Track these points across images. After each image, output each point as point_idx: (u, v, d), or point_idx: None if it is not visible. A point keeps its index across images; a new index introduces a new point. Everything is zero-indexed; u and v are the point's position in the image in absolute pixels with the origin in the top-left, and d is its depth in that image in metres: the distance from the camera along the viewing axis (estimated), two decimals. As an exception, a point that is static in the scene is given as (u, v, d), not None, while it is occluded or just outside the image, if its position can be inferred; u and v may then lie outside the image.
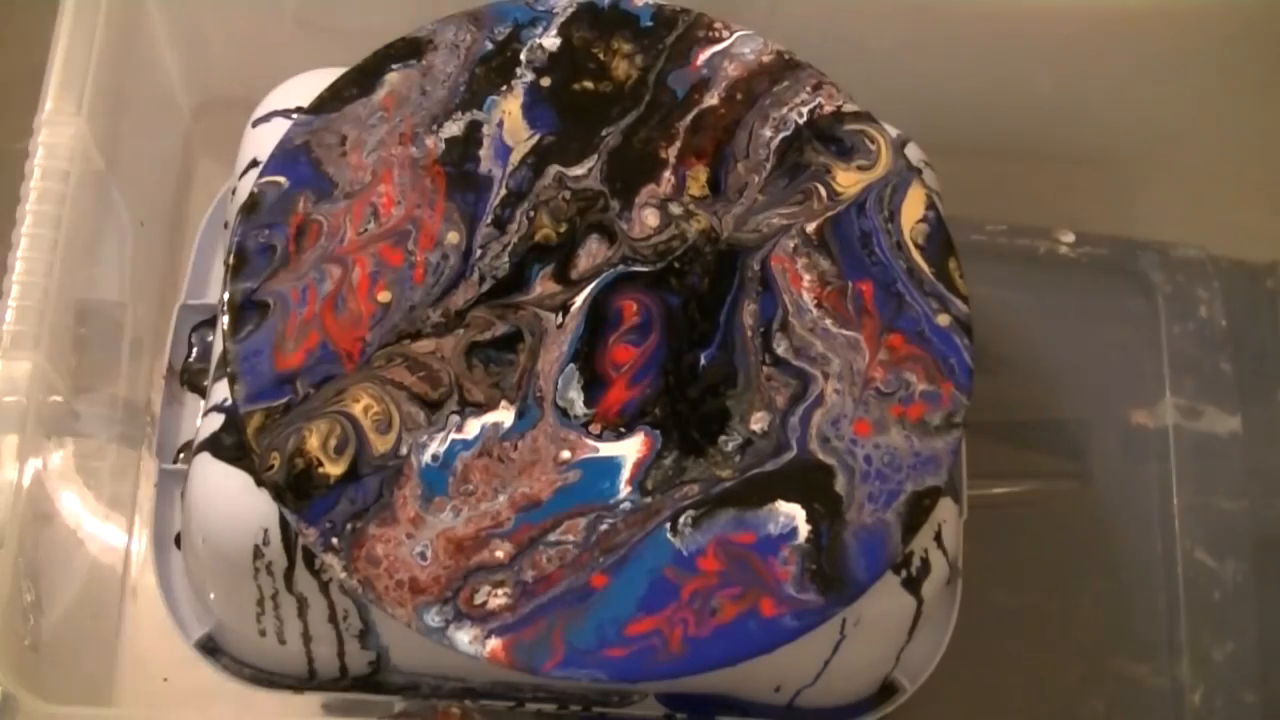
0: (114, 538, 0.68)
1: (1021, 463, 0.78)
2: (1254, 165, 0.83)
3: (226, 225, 0.63)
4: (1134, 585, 0.75)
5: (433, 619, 0.49)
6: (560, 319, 0.54)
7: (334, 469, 0.51)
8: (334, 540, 0.50)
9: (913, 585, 0.56)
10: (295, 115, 0.59)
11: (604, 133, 0.57)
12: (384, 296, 0.54)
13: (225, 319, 0.53)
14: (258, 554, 0.54)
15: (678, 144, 0.57)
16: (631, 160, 0.57)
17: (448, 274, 0.54)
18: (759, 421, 0.53)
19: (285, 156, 0.56)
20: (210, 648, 0.61)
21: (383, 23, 0.61)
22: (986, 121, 0.80)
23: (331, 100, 0.57)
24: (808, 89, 0.59)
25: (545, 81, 0.58)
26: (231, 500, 0.54)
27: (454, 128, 0.57)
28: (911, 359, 0.54)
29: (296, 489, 0.50)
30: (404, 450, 0.51)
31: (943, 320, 0.55)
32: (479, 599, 0.49)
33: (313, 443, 0.51)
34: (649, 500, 0.51)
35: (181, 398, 0.66)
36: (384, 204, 0.55)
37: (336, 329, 0.53)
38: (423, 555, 0.50)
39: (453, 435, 0.52)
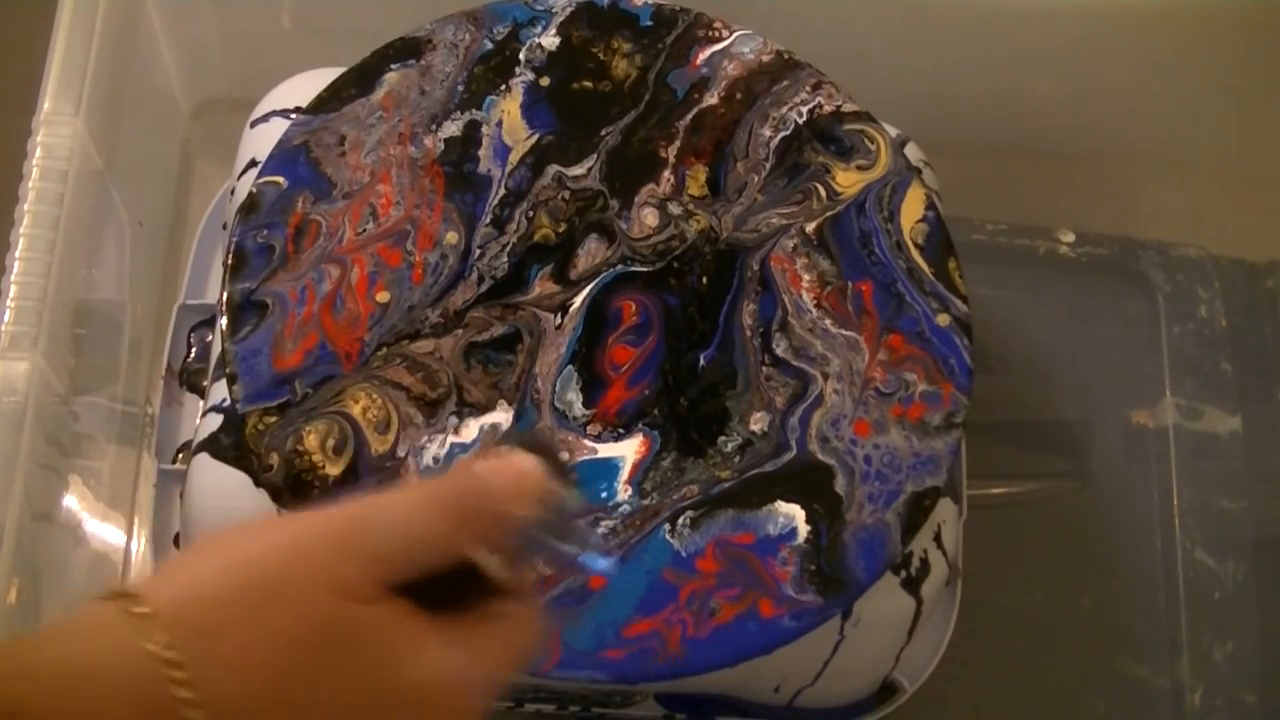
0: (114, 538, 0.68)
1: (1021, 463, 0.78)
2: (1254, 165, 0.83)
3: (225, 225, 0.63)
4: (1134, 585, 0.75)
5: (431, 620, 0.49)
6: (559, 319, 0.54)
7: (332, 469, 0.50)
8: (332, 541, 0.49)
9: (912, 585, 0.56)
10: (294, 115, 0.59)
11: (603, 132, 0.57)
12: (383, 297, 0.54)
13: (224, 319, 0.53)
14: (256, 554, 0.54)
15: (677, 143, 0.57)
16: (631, 160, 0.57)
17: (446, 274, 0.54)
18: (758, 422, 0.53)
19: (284, 156, 0.56)
20: (209, 648, 0.61)
21: (382, 23, 0.61)
22: (986, 121, 0.80)
23: (330, 100, 0.57)
24: (807, 88, 0.59)
25: (544, 81, 0.58)
26: (230, 501, 0.54)
27: (453, 127, 0.57)
28: (911, 359, 0.54)
29: (295, 489, 0.50)
30: (402, 451, 0.51)
31: (942, 320, 0.55)
32: (477, 600, 0.49)
33: (311, 442, 0.51)
34: (647, 501, 0.51)
35: (180, 398, 0.66)
36: (383, 204, 0.55)
37: (335, 329, 0.53)
38: (421, 556, 0.49)
39: (451, 437, 0.51)
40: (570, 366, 0.53)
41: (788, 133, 0.58)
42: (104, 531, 0.68)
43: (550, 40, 0.59)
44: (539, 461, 0.35)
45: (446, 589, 0.34)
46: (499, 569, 0.34)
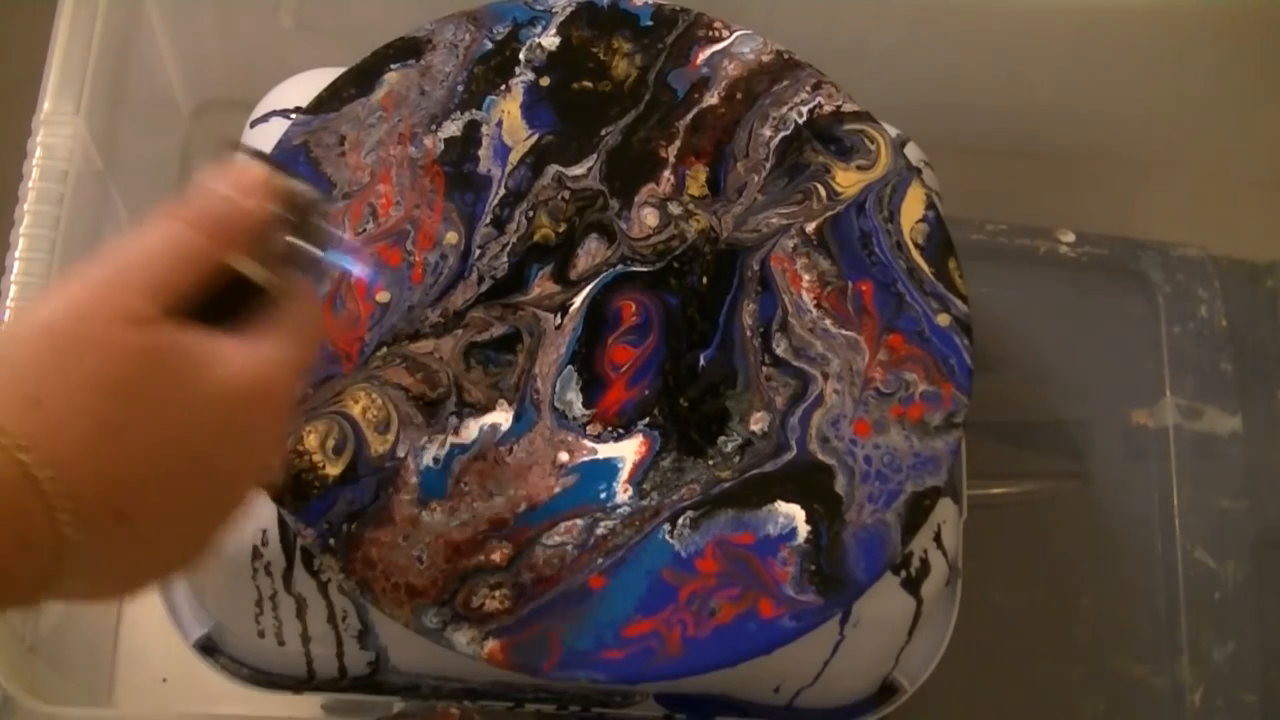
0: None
1: (1021, 463, 0.78)
2: (1254, 165, 0.83)
3: (225, 225, 0.63)
4: (1134, 585, 0.75)
5: (430, 620, 0.49)
6: (559, 319, 0.54)
7: (332, 469, 0.50)
8: (331, 541, 0.49)
9: (912, 585, 0.56)
10: (294, 115, 0.59)
11: (603, 132, 0.57)
12: (382, 297, 0.54)
13: (224, 319, 0.53)
14: (256, 554, 0.54)
15: (677, 143, 0.57)
16: (631, 160, 0.57)
17: (446, 274, 0.54)
18: (758, 422, 0.53)
19: (284, 156, 0.56)
20: (209, 648, 0.61)
21: (382, 23, 0.61)
22: (986, 121, 0.80)
23: (330, 100, 0.57)
24: (807, 88, 0.59)
25: (544, 81, 0.58)
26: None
27: (453, 127, 0.57)
28: (911, 359, 0.54)
29: (295, 489, 0.50)
30: (402, 452, 0.51)
31: (942, 320, 0.55)
32: (476, 601, 0.49)
33: (311, 442, 0.51)
34: (647, 502, 0.51)
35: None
36: (383, 204, 0.55)
37: (335, 329, 0.53)
38: (419, 558, 0.49)
39: (450, 437, 0.51)
40: (570, 366, 0.53)
41: (788, 133, 0.58)
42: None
43: (550, 40, 0.59)
44: (259, 163, 0.38)
45: (226, 306, 0.37)
46: (261, 273, 0.38)
